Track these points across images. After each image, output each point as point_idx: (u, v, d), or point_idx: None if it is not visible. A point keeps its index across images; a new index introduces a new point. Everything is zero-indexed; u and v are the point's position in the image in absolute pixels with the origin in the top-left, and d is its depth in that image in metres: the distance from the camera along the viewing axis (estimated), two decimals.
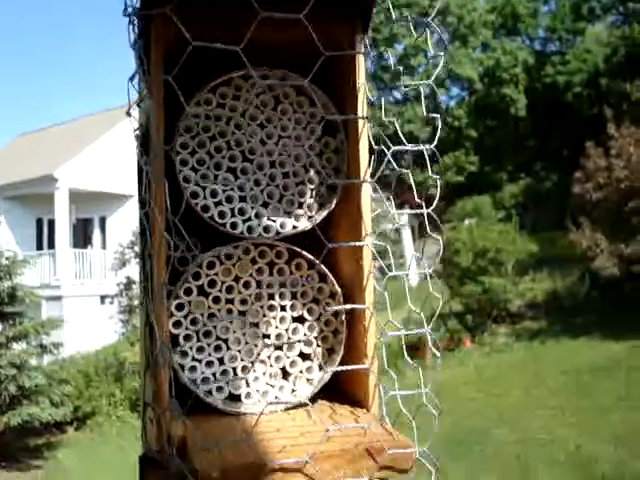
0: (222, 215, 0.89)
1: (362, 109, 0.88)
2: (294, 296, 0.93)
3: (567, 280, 14.06)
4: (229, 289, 0.91)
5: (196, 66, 0.88)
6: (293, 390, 0.92)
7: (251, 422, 0.79)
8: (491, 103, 25.79)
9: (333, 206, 0.93)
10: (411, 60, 21.49)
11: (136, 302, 13.47)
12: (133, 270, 13.92)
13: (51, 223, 18.31)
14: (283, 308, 0.93)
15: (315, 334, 0.93)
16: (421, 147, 0.78)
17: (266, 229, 0.91)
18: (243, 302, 0.91)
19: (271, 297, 0.92)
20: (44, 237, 19.15)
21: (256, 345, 0.91)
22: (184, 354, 0.88)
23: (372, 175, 0.88)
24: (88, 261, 18.07)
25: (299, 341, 0.92)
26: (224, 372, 0.89)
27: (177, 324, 0.88)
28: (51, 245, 18.26)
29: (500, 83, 25.33)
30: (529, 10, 26.67)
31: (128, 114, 0.84)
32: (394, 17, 0.78)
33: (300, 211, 0.93)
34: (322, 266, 0.90)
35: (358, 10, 0.88)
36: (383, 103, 0.85)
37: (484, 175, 25.62)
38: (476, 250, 12.70)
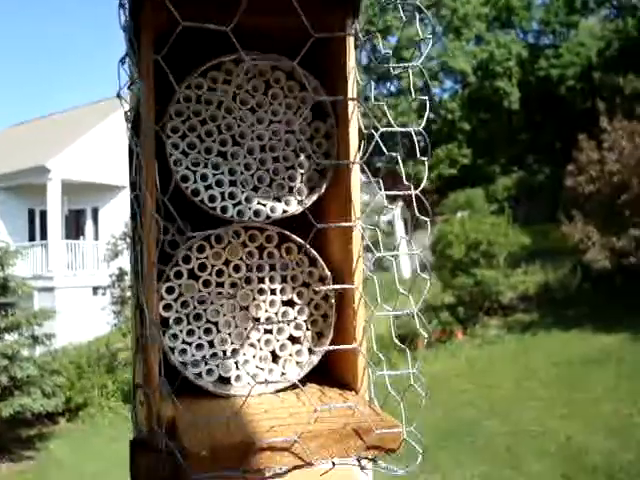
0: (212, 199, 0.90)
1: (352, 92, 0.88)
2: (284, 280, 0.94)
3: (559, 273, 14.12)
4: (219, 272, 0.91)
5: (187, 51, 0.89)
6: (283, 373, 0.93)
7: (240, 403, 0.79)
8: (484, 96, 25.80)
9: (323, 190, 0.93)
10: (404, 52, 21.46)
11: (128, 294, 13.46)
12: (125, 261, 13.90)
13: (43, 214, 18.28)
14: (273, 292, 0.94)
15: (305, 318, 0.94)
16: (410, 129, 0.78)
17: (256, 213, 0.91)
18: (233, 285, 0.92)
19: (261, 281, 0.93)
20: (36, 228, 19.11)
21: (246, 328, 0.92)
22: (174, 337, 0.89)
23: (362, 159, 0.89)
24: (80, 252, 18.04)
25: (289, 321, 0.93)
26: (214, 355, 0.90)
27: (167, 307, 0.89)
28: (43, 236, 18.22)
29: (493, 76, 25.34)
30: (523, 3, 26.67)
31: (119, 96, 0.84)
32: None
33: (290, 195, 0.93)
34: (312, 249, 0.91)
35: None
36: (372, 87, 0.85)
37: (477, 168, 25.65)
38: (468, 242, 12.74)
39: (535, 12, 26.91)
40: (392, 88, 27.11)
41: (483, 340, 11.79)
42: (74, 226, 19.34)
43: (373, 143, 0.82)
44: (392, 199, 0.91)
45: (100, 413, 10.89)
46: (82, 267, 17.87)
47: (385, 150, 0.85)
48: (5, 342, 9.46)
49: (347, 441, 0.75)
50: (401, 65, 0.80)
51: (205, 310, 0.91)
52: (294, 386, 0.90)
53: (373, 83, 0.88)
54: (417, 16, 0.78)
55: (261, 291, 0.93)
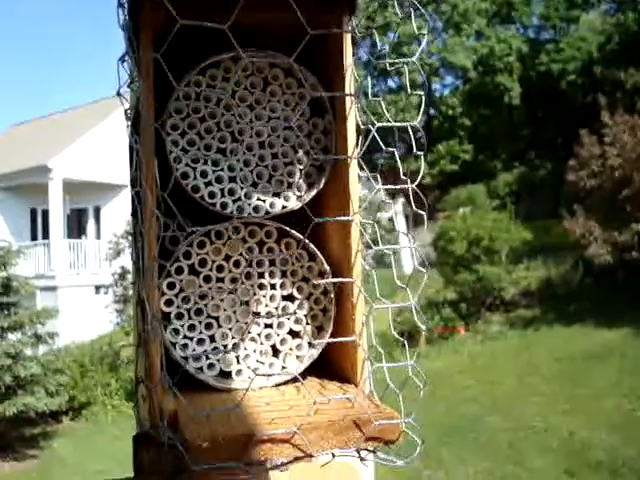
0: (212, 195, 0.91)
1: (350, 88, 0.89)
2: (284, 275, 0.95)
3: (561, 268, 14.11)
4: (220, 268, 0.92)
5: (186, 49, 0.90)
6: (283, 367, 0.94)
7: (241, 396, 0.80)
8: (485, 92, 25.79)
9: (322, 186, 0.94)
10: (404, 48, 21.46)
11: (131, 292, 13.46)
12: (128, 260, 13.91)
13: (45, 213, 18.29)
14: (273, 286, 0.94)
15: (305, 312, 0.95)
16: (406, 124, 0.79)
17: (256, 209, 0.92)
18: (233, 280, 0.93)
19: (261, 276, 0.94)
20: (38, 227, 19.12)
21: (247, 323, 0.93)
22: (176, 332, 0.90)
23: (359, 155, 0.89)
24: (83, 251, 18.05)
25: (289, 315, 0.94)
26: (215, 349, 0.91)
27: (169, 302, 0.90)
28: (45, 235, 18.24)
29: (494, 71, 25.33)
30: None
31: (118, 94, 0.85)
32: None
33: (289, 191, 0.94)
34: (311, 244, 0.92)
35: None
36: (370, 83, 0.86)
37: (478, 164, 25.65)
38: (470, 238, 12.74)
39: (535, 7, 26.88)
40: (392, 84, 27.12)
41: (485, 336, 11.79)
42: (76, 225, 19.35)
43: (369, 138, 0.83)
44: (392, 195, 0.92)
45: (103, 411, 10.91)
46: (84, 266, 17.89)
47: (383, 146, 0.86)
48: (8, 341, 9.47)
49: (347, 433, 0.76)
50: (398, 60, 0.81)
51: (206, 305, 0.92)
52: (294, 380, 0.91)
53: (372, 79, 0.89)
54: (412, 12, 0.78)
55: (261, 286, 0.94)
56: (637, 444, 6.32)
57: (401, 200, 16.79)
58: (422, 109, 0.81)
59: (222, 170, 0.93)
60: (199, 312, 0.92)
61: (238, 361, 0.92)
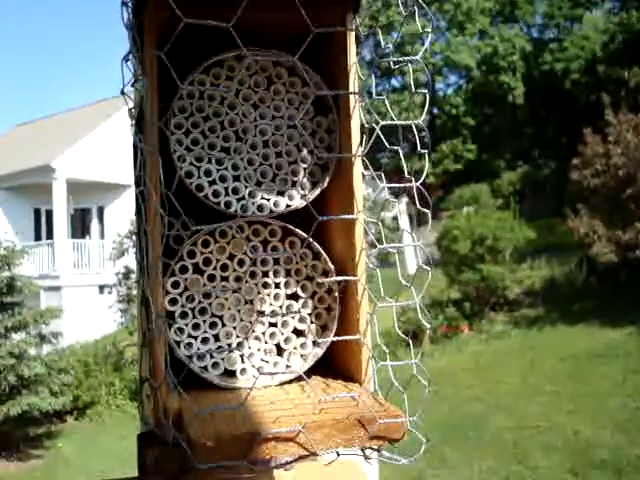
0: (216, 194, 0.91)
1: (353, 87, 0.89)
2: (288, 273, 0.95)
3: (565, 267, 14.09)
4: (224, 267, 0.92)
5: (190, 48, 0.90)
6: (287, 366, 0.94)
7: (245, 395, 0.80)
8: (489, 91, 25.76)
9: (326, 184, 0.94)
10: (407, 47, 21.43)
11: (135, 292, 13.48)
12: (131, 260, 13.93)
13: (49, 213, 18.34)
14: (277, 285, 0.95)
15: (309, 311, 0.95)
16: (410, 122, 0.79)
17: (260, 208, 0.92)
18: (238, 279, 0.93)
19: (265, 274, 0.94)
20: (42, 227, 19.17)
21: (251, 322, 0.93)
22: (180, 331, 0.90)
23: (363, 153, 0.89)
24: (86, 251, 18.09)
25: (294, 313, 0.94)
26: (219, 348, 0.91)
27: (173, 301, 0.90)
28: (49, 235, 18.29)
29: (497, 71, 25.30)
30: None
31: (122, 93, 0.85)
32: None
33: (293, 190, 0.94)
34: (315, 243, 0.92)
35: None
36: (374, 82, 0.86)
37: (482, 163, 25.63)
38: (474, 238, 12.72)
39: (539, 6, 26.85)
40: (396, 84, 27.12)
41: (489, 335, 11.78)
42: (80, 225, 19.40)
43: (374, 136, 0.83)
44: (396, 195, 0.92)
45: (107, 411, 10.93)
46: (88, 266, 17.92)
47: (387, 144, 0.86)
48: (12, 341, 9.50)
49: (351, 431, 0.76)
50: (401, 59, 0.81)
51: (210, 304, 0.92)
52: (298, 379, 0.91)
53: (376, 79, 0.89)
54: (417, 11, 0.78)
55: (265, 285, 0.94)
56: None
57: (405, 200, 16.79)
58: (426, 108, 0.81)
59: (226, 169, 0.93)
60: (203, 311, 0.92)
61: (242, 360, 0.92)
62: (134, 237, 13.29)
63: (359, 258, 0.89)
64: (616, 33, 22.21)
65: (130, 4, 0.82)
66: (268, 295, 0.94)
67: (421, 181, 0.81)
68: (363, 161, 0.89)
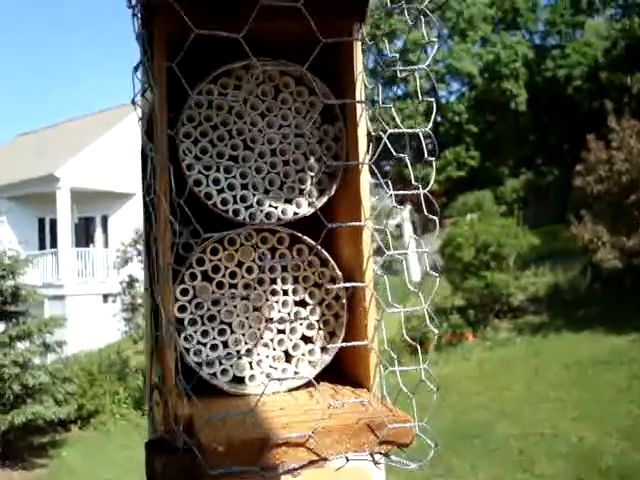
0: (225, 202, 0.92)
1: (360, 95, 0.90)
2: (296, 280, 0.96)
3: (569, 274, 14.07)
4: (232, 274, 0.93)
5: (197, 58, 0.91)
6: (296, 372, 0.94)
7: (254, 402, 0.81)
8: (491, 98, 25.77)
9: (333, 192, 0.95)
10: (410, 55, 21.49)
11: (139, 300, 13.50)
12: (135, 268, 13.96)
13: (53, 222, 18.37)
14: (285, 292, 0.95)
15: (317, 317, 0.96)
16: (417, 130, 0.80)
17: (268, 215, 0.93)
18: (246, 287, 0.93)
19: (273, 282, 0.95)
20: (46, 236, 19.21)
21: (259, 329, 0.93)
22: (189, 338, 0.91)
23: (370, 161, 0.90)
24: (90, 260, 18.11)
25: (302, 320, 0.95)
26: (228, 355, 0.92)
27: (182, 309, 0.91)
28: (53, 244, 18.32)
29: (500, 78, 25.31)
30: (528, 4, 26.64)
31: (133, 102, 0.86)
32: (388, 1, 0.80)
33: (301, 198, 0.95)
34: (323, 250, 0.93)
35: (355, 0, 0.90)
36: (379, 90, 0.87)
37: (485, 170, 25.61)
38: (478, 245, 12.71)
39: (541, 13, 26.88)
40: (399, 92, 27.14)
41: (493, 342, 11.75)
42: (84, 234, 19.42)
43: (381, 144, 0.84)
44: (400, 202, 0.93)
45: (112, 420, 10.92)
46: (92, 275, 17.94)
47: (394, 152, 0.87)
48: (17, 350, 9.50)
49: (361, 436, 0.76)
50: (408, 68, 0.82)
51: (219, 311, 0.93)
52: (307, 385, 0.92)
53: (380, 87, 0.89)
54: (422, 19, 0.79)
55: (274, 292, 0.95)
56: None
57: (408, 207, 16.80)
58: (433, 115, 0.82)
59: (234, 177, 0.94)
60: (212, 318, 0.93)
61: (251, 367, 0.93)
62: (140, 245, 13.32)
63: (367, 265, 0.90)
64: (618, 39, 22.23)
65: (140, 15, 0.83)
66: (276, 302, 0.95)
67: (428, 189, 0.82)
68: (370, 169, 0.90)
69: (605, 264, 11.94)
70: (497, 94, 25.40)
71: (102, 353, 13.52)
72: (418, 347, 0.83)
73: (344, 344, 0.91)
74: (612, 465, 6.11)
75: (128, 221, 16.70)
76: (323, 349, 0.95)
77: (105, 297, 17.05)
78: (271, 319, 0.94)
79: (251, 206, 0.93)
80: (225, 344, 0.93)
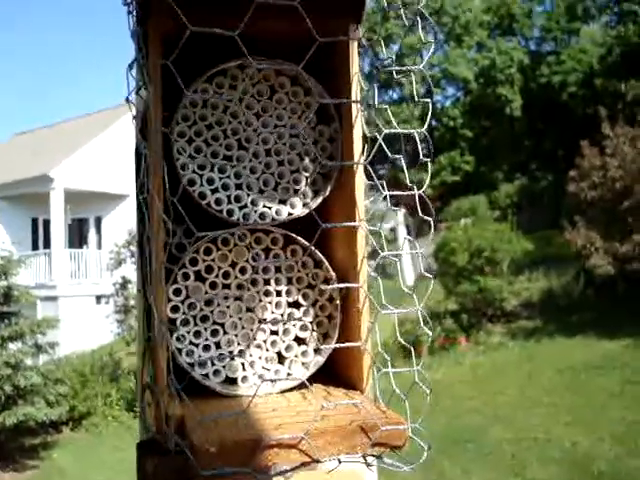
0: (219, 202, 0.91)
1: (356, 96, 0.90)
2: (289, 281, 0.95)
3: (562, 279, 14.09)
4: (226, 274, 0.93)
5: (192, 56, 0.90)
6: (289, 374, 0.94)
7: (247, 403, 0.81)
8: (486, 103, 25.83)
9: (327, 193, 0.95)
10: (406, 59, 21.52)
11: (132, 302, 13.46)
12: (129, 270, 13.92)
13: (46, 223, 18.33)
14: (279, 293, 0.95)
15: (310, 319, 0.95)
16: (412, 131, 0.80)
17: (262, 216, 0.93)
18: (239, 287, 0.93)
19: (267, 282, 0.94)
20: (39, 237, 19.15)
21: (252, 330, 0.93)
22: (181, 338, 0.90)
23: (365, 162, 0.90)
24: (84, 261, 18.06)
25: (295, 321, 0.94)
26: (221, 356, 0.91)
27: (175, 309, 0.90)
28: (47, 245, 18.27)
29: (495, 83, 25.37)
30: (524, 10, 26.73)
31: (127, 100, 0.86)
32: (385, 5, 0.80)
33: (295, 198, 0.95)
34: (317, 251, 0.92)
35: (352, 1, 0.90)
36: (375, 93, 0.87)
37: (479, 175, 25.65)
38: (472, 250, 12.73)
39: (536, 19, 26.96)
40: (394, 96, 27.18)
41: (487, 347, 11.76)
42: (77, 235, 19.38)
43: (377, 145, 0.84)
44: (395, 205, 0.92)
45: (104, 422, 10.87)
46: (85, 276, 17.89)
47: (389, 153, 0.87)
48: (9, 351, 9.46)
49: (353, 438, 0.76)
50: (404, 69, 0.82)
51: (212, 312, 0.92)
52: (300, 386, 0.91)
53: (376, 90, 0.89)
54: (419, 22, 0.79)
55: (267, 293, 0.94)
56: None
57: (402, 211, 16.82)
58: (429, 117, 0.82)
59: (228, 177, 0.93)
60: (205, 318, 0.92)
61: (244, 368, 0.93)
62: (133, 247, 13.30)
63: (361, 266, 0.89)
64: (613, 46, 22.31)
65: (135, 12, 0.83)
66: (270, 303, 0.94)
67: (423, 190, 0.82)
68: (365, 170, 0.90)
69: (598, 270, 11.97)
70: (492, 99, 25.46)
71: (94, 355, 13.47)
72: (412, 350, 0.83)
73: (337, 345, 0.91)
74: (605, 470, 6.11)
75: (122, 222, 16.67)
76: (316, 350, 0.94)
77: (98, 298, 17.00)
78: (264, 320, 0.94)
79: (245, 206, 0.92)
80: (218, 345, 0.92)
